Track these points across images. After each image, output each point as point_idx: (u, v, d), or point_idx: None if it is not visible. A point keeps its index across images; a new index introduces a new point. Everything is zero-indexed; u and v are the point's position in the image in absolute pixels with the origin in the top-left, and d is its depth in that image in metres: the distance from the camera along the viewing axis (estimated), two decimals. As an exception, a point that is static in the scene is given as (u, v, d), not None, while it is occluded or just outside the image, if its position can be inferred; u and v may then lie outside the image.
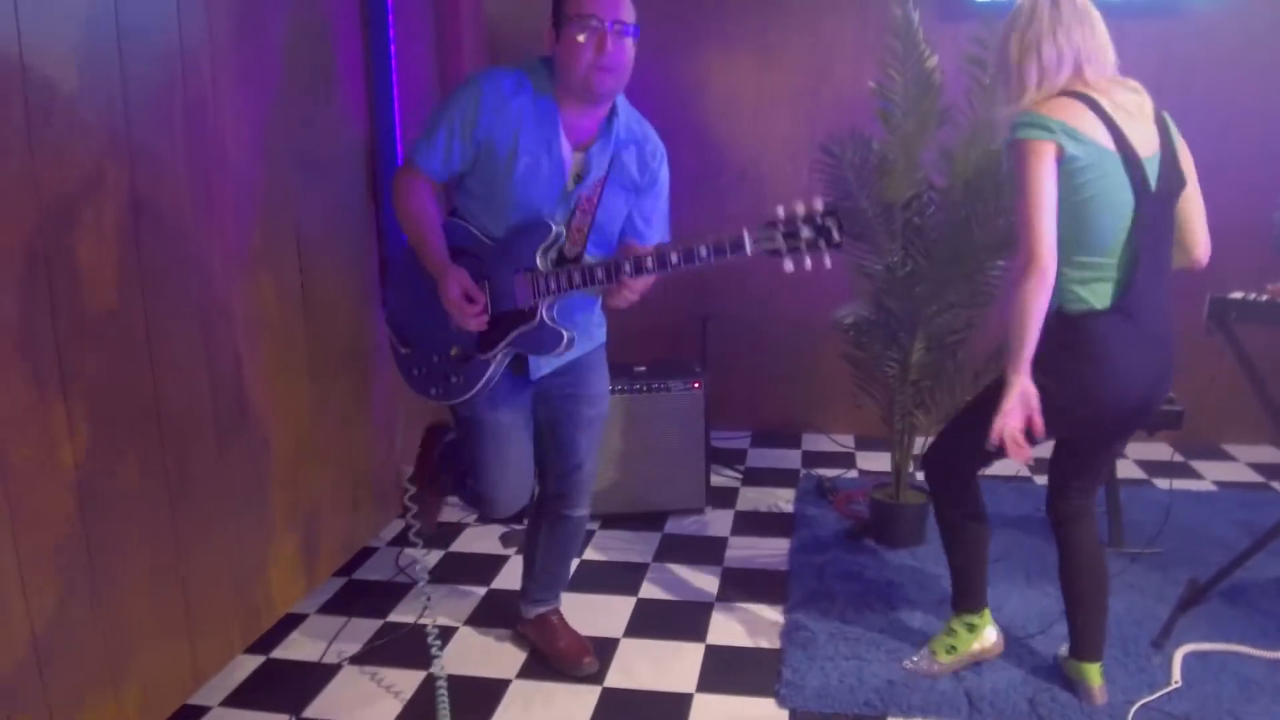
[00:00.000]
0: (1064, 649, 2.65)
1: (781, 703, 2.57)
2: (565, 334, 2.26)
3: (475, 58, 4.01)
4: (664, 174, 2.41)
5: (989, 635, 2.70)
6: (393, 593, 3.20)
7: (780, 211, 2.03)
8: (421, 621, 2.96)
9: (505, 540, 3.61)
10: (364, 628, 2.96)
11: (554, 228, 2.20)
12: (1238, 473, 4.43)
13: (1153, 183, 2.20)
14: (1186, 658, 2.75)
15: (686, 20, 4.62)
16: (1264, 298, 2.78)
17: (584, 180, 2.25)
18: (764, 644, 2.90)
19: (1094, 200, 2.17)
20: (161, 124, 2.28)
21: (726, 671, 2.73)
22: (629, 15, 2.14)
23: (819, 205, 2.02)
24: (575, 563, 3.27)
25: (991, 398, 2.34)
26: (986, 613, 2.70)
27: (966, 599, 2.69)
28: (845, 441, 4.80)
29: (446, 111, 2.22)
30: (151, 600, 2.29)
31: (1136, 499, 3.86)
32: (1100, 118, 2.16)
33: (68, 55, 1.98)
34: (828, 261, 2.02)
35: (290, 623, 2.97)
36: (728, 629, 2.98)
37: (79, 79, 2.01)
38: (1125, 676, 2.66)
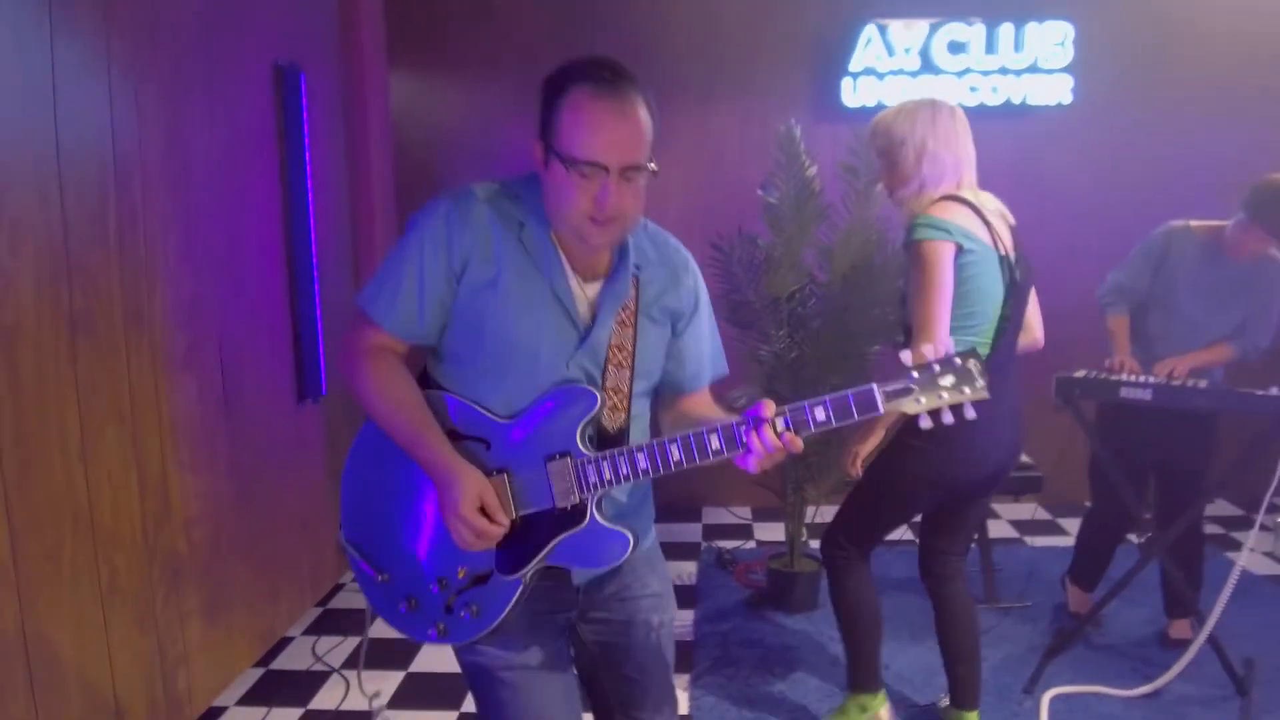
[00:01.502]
0: (944, 699, 2.90)
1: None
2: (628, 535, 1.58)
3: (383, 158, 4.22)
4: (704, 294, 1.78)
5: (882, 716, 2.89)
6: (311, 682, 3.27)
7: (908, 358, 1.48)
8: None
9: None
10: (285, 717, 3.03)
11: (596, 395, 1.57)
12: (1098, 528, 4.83)
13: (1016, 276, 2.53)
14: (1053, 700, 3.05)
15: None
16: (1103, 375, 3.15)
17: (599, 319, 1.61)
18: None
19: (977, 291, 2.49)
20: (98, 239, 2.41)
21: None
22: (642, 152, 1.52)
23: (950, 348, 1.48)
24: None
25: (874, 479, 2.65)
26: (881, 694, 2.89)
27: (862, 680, 2.86)
28: (743, 514, 5.06)
29: (408, 246, 1.58)
30: (83, 692, 2.35)
31: (1008, 557, 4.21)
32: (980, 219, 2.49)
33: (10, 175, 2.12)
34: (969, 413, 1.47)
35: (211, 716, 3.02)
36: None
37: (21, 199, 2.14)
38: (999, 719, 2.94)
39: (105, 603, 2.45)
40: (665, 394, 1.78)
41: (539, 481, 1.56)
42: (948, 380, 1.48)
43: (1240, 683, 3.01)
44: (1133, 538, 3.95)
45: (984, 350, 2.52)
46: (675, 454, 1.50)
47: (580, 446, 1.56)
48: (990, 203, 2.58)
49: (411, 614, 1.64)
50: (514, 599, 1.59)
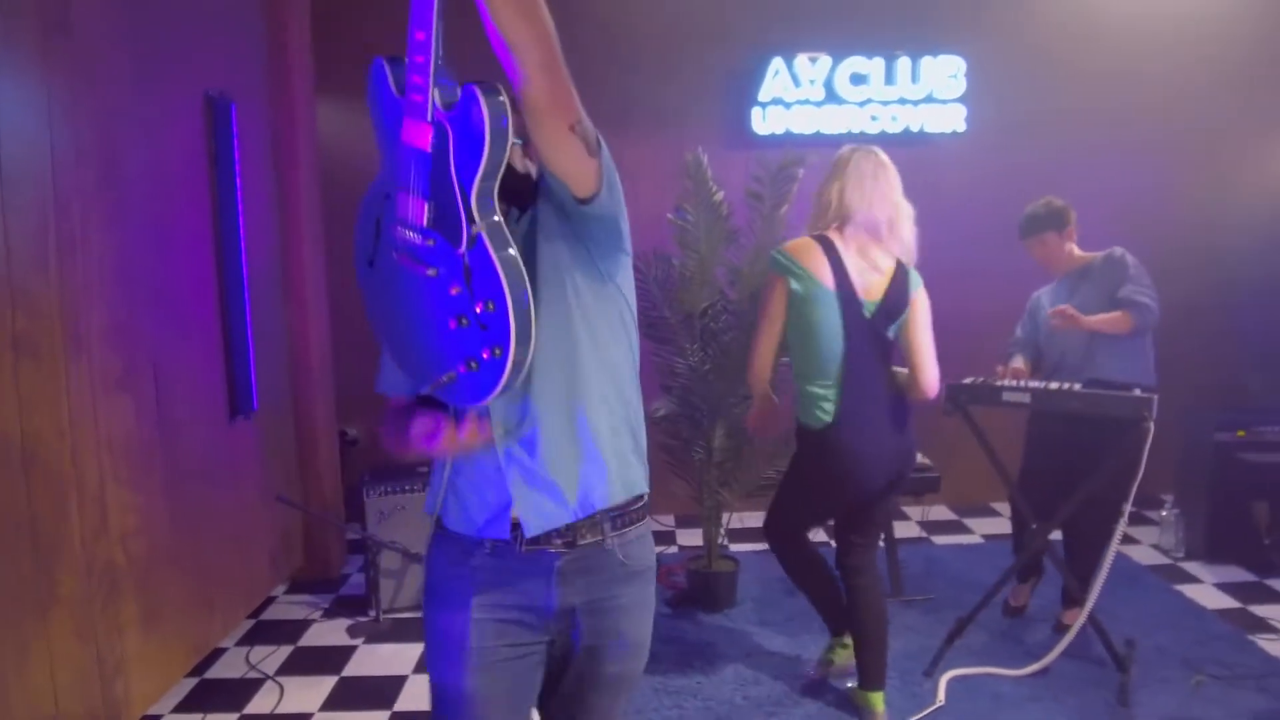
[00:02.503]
0: (852, 682, 3.14)
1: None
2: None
3: (311, 185, 4.35)
4: None
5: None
6: (245, 689, 3.38)
7: None
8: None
9: (353, 631, 3.83)
10: (222, 723, 3.15)
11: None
12: (1001, 526, 5.14)
13: (865, 314, 2.80)
14: (950, 682, 3.31)
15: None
16: (995, 381, 3.43)
17: None
18: None
19: (813, 327, 2.80)
20: (38, 266, 2.53)
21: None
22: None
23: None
24: None
25: (793, 473, 3.00)
26: None
27: (839, 623, 3.22)
28: (666, 521, 5.27)
29: None
30: (25, 700, 2.45)
31: (915, 555, 4.49)
32: (830, 259, 2.76)
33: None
34: None
35: (148, 725, 3.11)
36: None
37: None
38: (901, 700, 3.19)
39: (46, 613, 2.54)
40: None
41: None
42: None
43: (1120, 661, 3.30)
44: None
45: (834, 393, 2.81)
46: None
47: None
48: (873, 252, 2.86)
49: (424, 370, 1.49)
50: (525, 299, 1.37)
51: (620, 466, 1.62)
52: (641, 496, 1.67)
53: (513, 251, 1.37)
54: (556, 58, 1.37)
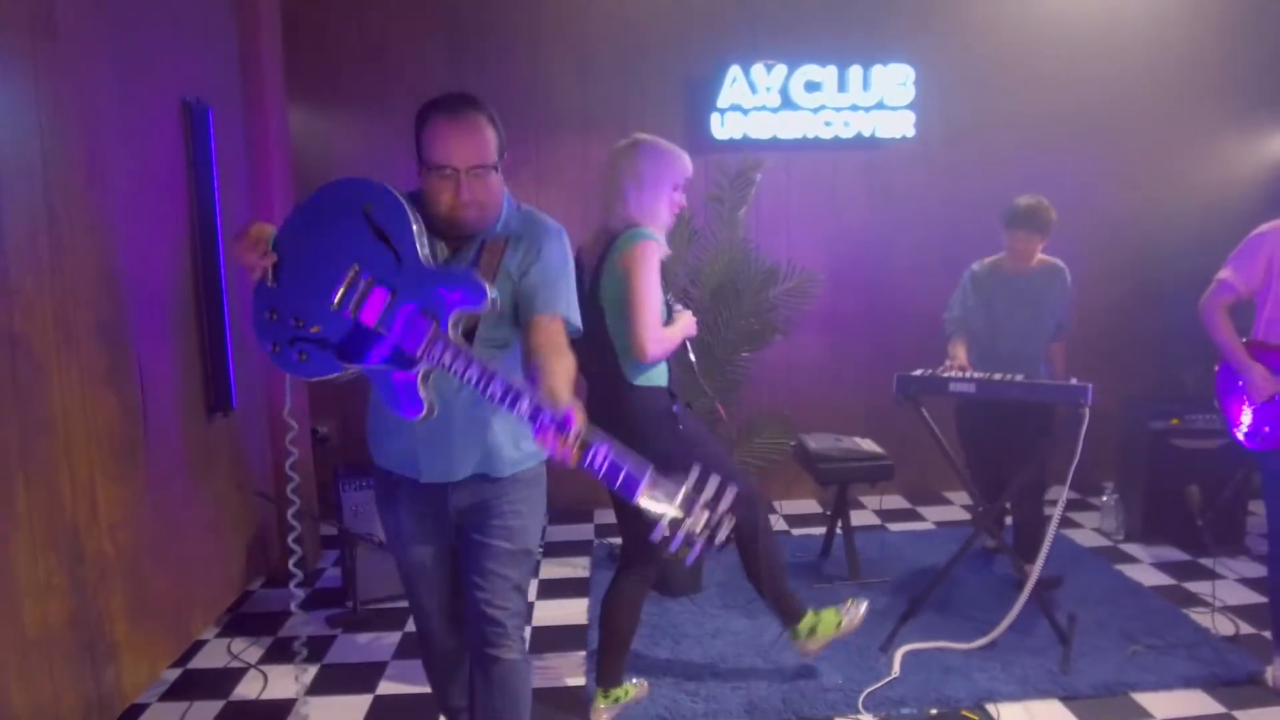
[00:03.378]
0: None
1: (589, 727, 3.10)
2: (424, 404, 1.93)
3: (284, 188, 4.46)
4: (558, 252, 2.17)
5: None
6: (229, 678, 3.48)
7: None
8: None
9: (331, 621, 3.95)
10: (207, 709, 3.24)
11: (487, 297, 1.89)
12: (953, 513, 5.39)
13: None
14: (905, 655, 3.50)
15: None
16: (936, 373, 3.64)
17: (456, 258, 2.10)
18: (570, 682, 3.42)
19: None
20: (32, 266, 2.63)
21: (546, 703, 3.16)
22: (487, 155, 2.04)
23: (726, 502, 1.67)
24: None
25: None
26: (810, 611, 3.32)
27: (800, 607, 3.30)
28: (633, 513, 5.41)
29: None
30: (22, 688, 2.55)
31: (871, 541, 4.69)
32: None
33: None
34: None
35: (134, 713, 3.20)
36: (542, 673, 3.48)
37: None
38: (859, 674, 3.38)
39: (43, 600, 2.64)
40: (522, 314, 2.12)
41: (401, 317, 1.90)
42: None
43: (1063, 633, 3.52)
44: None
45: None
46: (495, 389, 1.78)
47: (448, 322, 1.88)
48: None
49: (268, 325, 2.01)
50: (330, 376, 1.97)
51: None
52: None
53: None
54: None
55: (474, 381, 1.81)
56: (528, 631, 3.72)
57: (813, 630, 3.26)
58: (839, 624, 3.29)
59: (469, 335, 2.03)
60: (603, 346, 2.83)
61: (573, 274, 2.22)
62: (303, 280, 1.98)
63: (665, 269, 3.94)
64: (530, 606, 4.12)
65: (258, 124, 4.27)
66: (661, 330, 2.79)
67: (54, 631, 2.70)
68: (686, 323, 2.98)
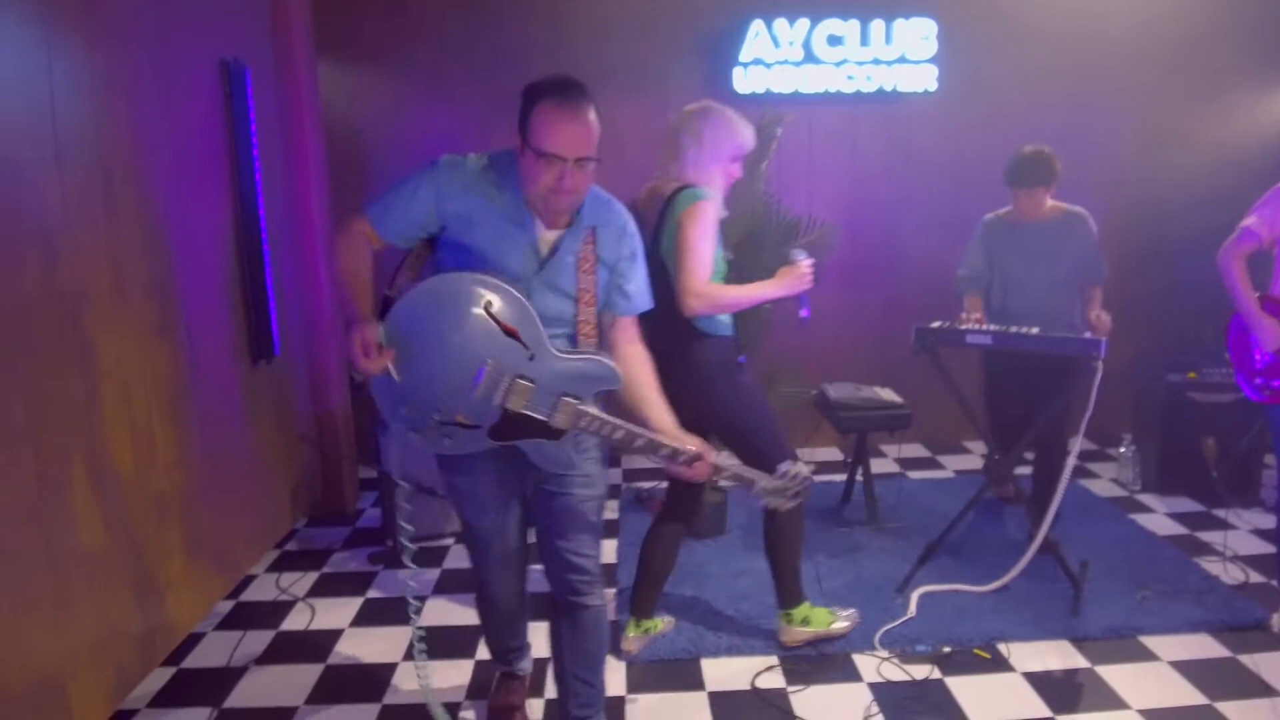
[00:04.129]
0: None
1: (619, 657, 3.27)
2: (570, 456, 2.28)
3: (316, 144, 4.58)
4: (640, 245, 2.38)
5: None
6: (278, 610, 3.68)
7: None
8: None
9: (373, 558, 4.14)
10: (260, 639, 3.44)
11: (619, 378, 2.24)
12: (971, 462, 5.51)
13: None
14: (920, 597, 3.64)
15: (494, 108, 5.26)
16: (953, 325, 3.73)
17: (558, 253, 2.21)
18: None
19: None
20: (90, 224, 2.78)
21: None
22: (592, 148, 2.11)
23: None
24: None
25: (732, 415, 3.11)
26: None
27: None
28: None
29: (410, 178, 2.20)
30: (94, 608, 2.74)
31: (890, 488, 4.82)
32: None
33: (20, 175, 2.49)
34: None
35: (192, 641, 3.41)
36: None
37: (29, 194, 2.52)
38: (875, 614, 3.51)
39: (109, 532, 2.83)
40: (606, 316, 2.34)
41: (551, 401, 2.16)
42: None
43: (1074, 578, 3.62)
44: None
45: None
46: (639, 443, 2.21)
47: (590, 401, 2.20)
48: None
49: (404, 416, 2.17)
50: (481, 452, 2.23)
51: None
52: None
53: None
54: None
55: (618, 438, 2.20)
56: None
57: (805, 620, 3.31)
58: (830, 624, 3.34)
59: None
60: (668, 297, 2.85)
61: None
62: (436, 378, 2.12)
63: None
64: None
65: (289, 82, 4.39)
66: (707, 286, 2.86)
67: (118, 565, 2.89)
68: (766, 287, 3.03)
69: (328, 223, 4.67)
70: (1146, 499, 4.80)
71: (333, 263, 2.37)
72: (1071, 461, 3.55)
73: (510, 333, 2.11)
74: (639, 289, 2.39)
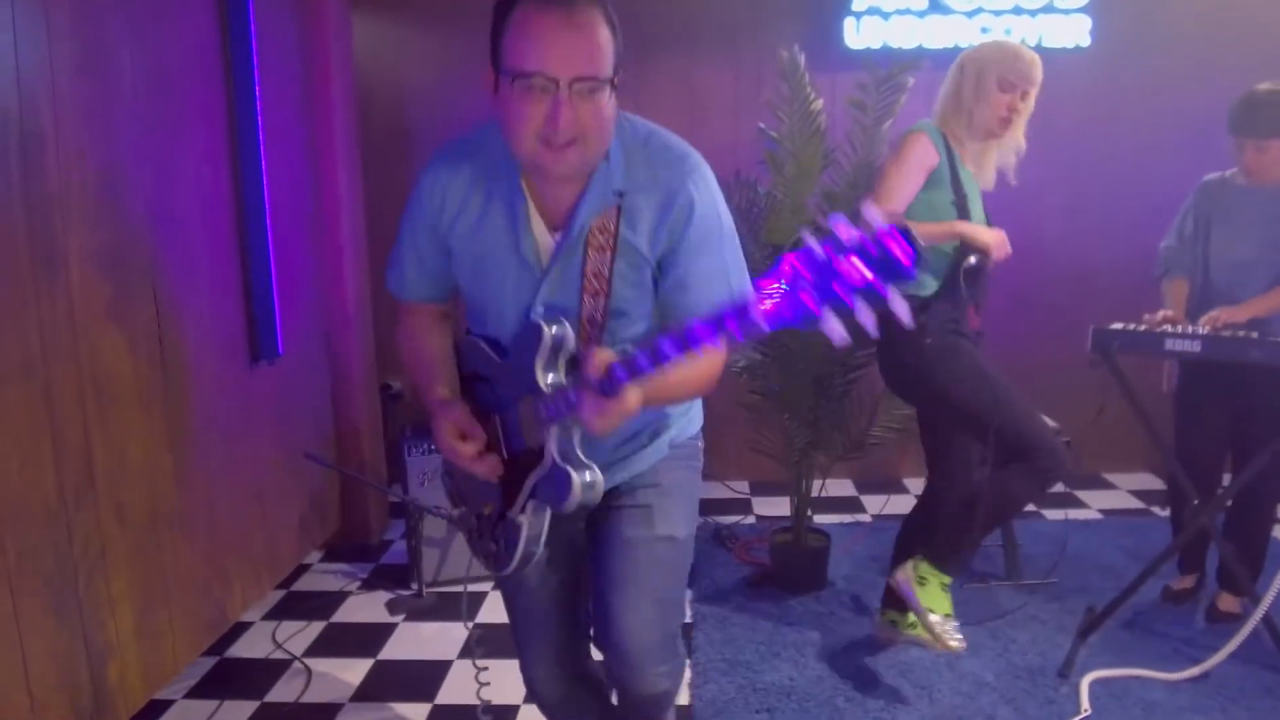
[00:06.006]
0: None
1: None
2: (575, 478, 1.53)
3: (346, 105, 3.87)
4: (710, 211, 1.59)
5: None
6: (270, 671, 2.96)
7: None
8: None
9: (393, 607, 3.40)
10: (237, 711, 2.72)
11: (544, 330, 1.53)
12: (1121, 500, 4.56)
13: None
14: (1092, 685, 2.76)
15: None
16: (1143, 328, 2.85)
17: (555, 260, 1.59)
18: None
19: None
20: (-4, 173, 2.07)
21: None
22: (599, 64, 1.42)
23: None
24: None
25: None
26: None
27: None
28: (740, 488, 4.75)
29: (401, 227, 1.73)
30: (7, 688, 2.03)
31: (1025, 531, 3.89)
32: None
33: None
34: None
35: (155, 710, 2.70)
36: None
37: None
38: (1035, 707, 2.66)
39: (14, 588, 2.11)
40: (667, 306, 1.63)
41: (514, 420, 1.64)
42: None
43: (1295, 666, 2.75)
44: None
45: None
46: (598, 382, 1.37)
47: (540, 382, 1.54)
48: None
49: (476, 542, 1.81)
50: (521, 539, 1.64)
51: None
52: None
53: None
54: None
55: (601, 388, 1.42)
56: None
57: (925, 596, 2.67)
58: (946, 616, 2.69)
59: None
60: None
61: (730, 227, 1.63)
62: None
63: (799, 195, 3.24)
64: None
65: (313, 25, 3.67)
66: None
67: (31, 625, 2.17)
68: (962, 229, 2.66)
69: (357, 198, 3.96)
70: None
71: (401, 358, 1.85)
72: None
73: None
74: (720, 275, 1.60)
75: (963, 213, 2.66)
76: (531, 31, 1.40)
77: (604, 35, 1.42)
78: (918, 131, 2.66)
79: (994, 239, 2.67)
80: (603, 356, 1.36)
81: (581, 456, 1.56)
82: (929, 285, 2.65)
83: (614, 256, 1.56)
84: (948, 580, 2.67)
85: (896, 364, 2.75)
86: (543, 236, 1.59)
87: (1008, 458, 2.57)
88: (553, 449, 1.55)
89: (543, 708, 2.00)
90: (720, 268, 1.60)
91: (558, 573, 1.83)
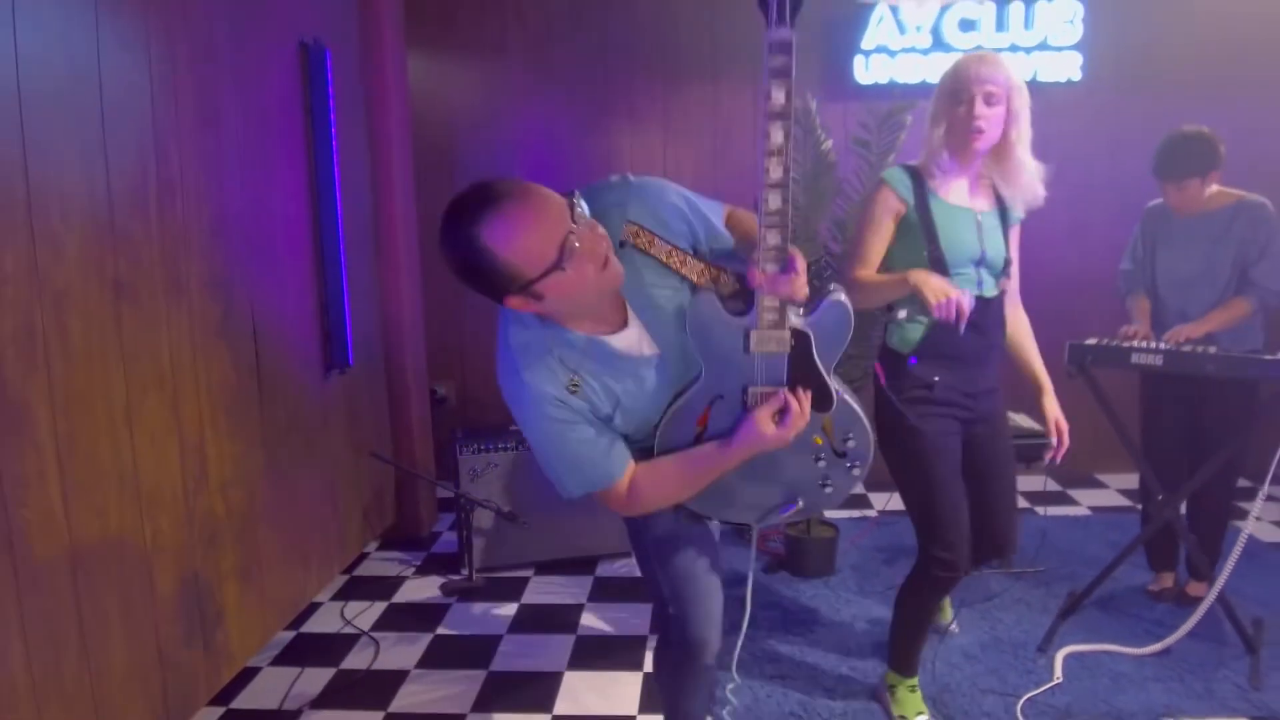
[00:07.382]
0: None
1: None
2: (832, 295, 1.81)
3: (403, 136, 4.28)
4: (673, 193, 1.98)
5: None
6: (340, 644, 3.37)
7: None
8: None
9: (446, 589, 3.80)
10: (318, 677, 3.13)
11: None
12: (1109, 498, 4.92)
13: None
14: (1066, 658, 3.14)
15: (598, 99, 4.98)
16: (1116, 342, 3.21)
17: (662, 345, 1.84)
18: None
19: None
20: (139, 212, 2.49)
21: (664, 696, 2.98)
22: (580, 233, 1.58)
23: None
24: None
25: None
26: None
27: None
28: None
29: (549, 440, 1.76)
30: (129, 645, 2.44)
31: (1021, 525, 4.27)
32: None
33: (60, 150, 2.20)
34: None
35: (246, 676, 3.11)
36: (662, 659, 3.24)
37: (70, 173, 2.22)
38: (1015, 676, 3.03)
39: (151, 561, 2.53)
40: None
41: (737, 389, 1.83)
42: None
43: (1249, 641, 3.11)
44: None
45: None
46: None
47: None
48: None
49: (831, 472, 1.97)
50: (853, 406, 1.90)
51: None
52: None
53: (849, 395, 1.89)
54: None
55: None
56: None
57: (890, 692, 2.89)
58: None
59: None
60: None
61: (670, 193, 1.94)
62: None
63: (811, 224, 3.61)
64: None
65: (375, 68, 4.10)
66: (854, 272, 2.52)
67: (163, 592, 2.59)
68: (914, 280, 2.27)
69: (411, 221, 4.38)
70: (1324, 546, 4.17)
71: (671, 504, 2.02)
72: (1260, 500, 3.01)
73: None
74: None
75: (936, 248, 2.45)
76: (519, 243, 1.52)
77: (557, 205, 1.56)
78: (880, 183, 2.56)
79: (933, 289, 2.20)
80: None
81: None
82: (907, 340, 2.53)
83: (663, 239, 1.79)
84: (913, 681, 2.82)
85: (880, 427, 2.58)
86: (636, 345, 1.78)
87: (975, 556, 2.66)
88: (794, 320, 1.75)
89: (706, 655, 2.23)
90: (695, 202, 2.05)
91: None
